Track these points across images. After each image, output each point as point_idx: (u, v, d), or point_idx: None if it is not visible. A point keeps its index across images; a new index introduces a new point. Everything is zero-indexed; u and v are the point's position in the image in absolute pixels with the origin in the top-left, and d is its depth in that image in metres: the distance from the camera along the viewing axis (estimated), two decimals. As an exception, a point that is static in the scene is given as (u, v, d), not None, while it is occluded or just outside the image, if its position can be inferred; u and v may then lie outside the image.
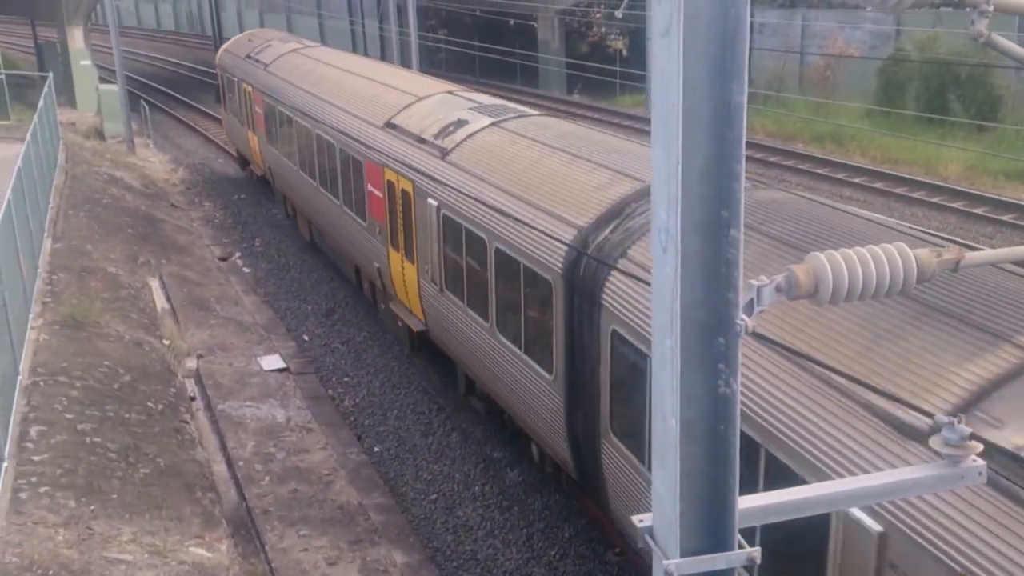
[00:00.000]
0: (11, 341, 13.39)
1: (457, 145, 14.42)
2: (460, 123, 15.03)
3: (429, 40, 49.21)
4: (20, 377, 13.61)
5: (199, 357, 17.40)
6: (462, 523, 12.78)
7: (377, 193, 16.67)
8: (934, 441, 3.31)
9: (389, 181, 16.02)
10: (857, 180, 27.86)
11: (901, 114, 32.49)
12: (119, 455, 12.58)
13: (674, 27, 2.67)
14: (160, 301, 19.98)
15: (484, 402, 14.59)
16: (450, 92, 17.56)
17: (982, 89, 31.51)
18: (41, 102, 26.66)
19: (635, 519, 3.25)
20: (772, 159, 30.87)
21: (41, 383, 13.84)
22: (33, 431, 12.47)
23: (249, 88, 27.12)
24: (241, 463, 13.81)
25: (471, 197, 12.66)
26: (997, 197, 25.09)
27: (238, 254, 24.64)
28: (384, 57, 46.60)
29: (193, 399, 15.90)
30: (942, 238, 12.12)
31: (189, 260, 23.21)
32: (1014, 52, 5.28)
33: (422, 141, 15.37)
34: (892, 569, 5.89)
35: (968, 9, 4.83)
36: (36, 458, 11.89)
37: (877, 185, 27.28)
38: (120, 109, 36.04)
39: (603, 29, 47.54)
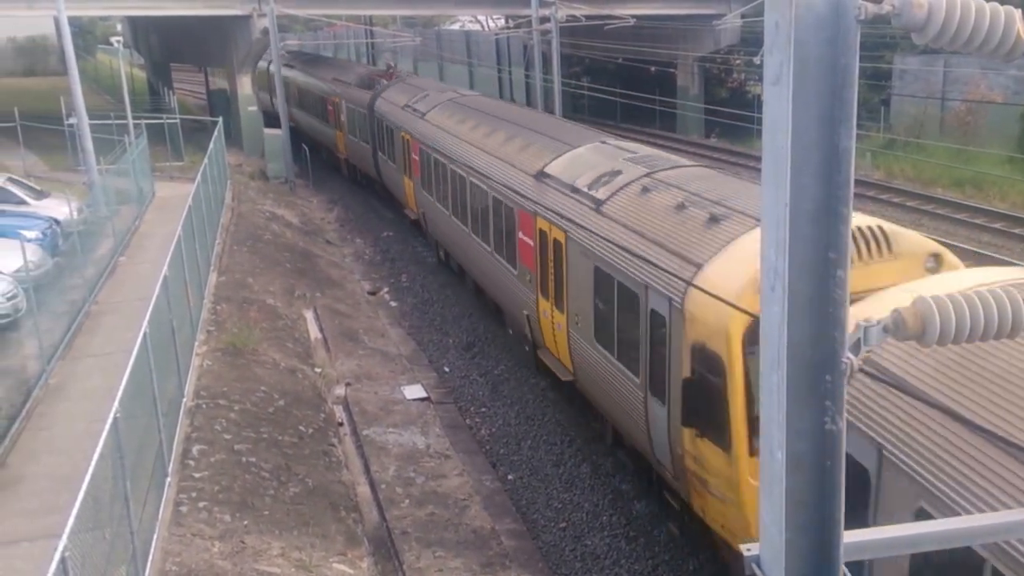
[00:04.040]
0: (178, 366, 14.51)
1: None
2: None
3: (572, 87, 50.14)
4: (184, 399, 14.70)
5: (347, 385, 18.26)
6: (590, 551, 13.04)
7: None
8: None
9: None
10: (996, 225, 27.06)
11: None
12: (271, 474, 13.40)
13: (784, 76, 2.73)
14: (313, 331, 21.03)
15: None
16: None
17: None
18: (211, 145, 28.41)
19: (743, 547, 3.33)
20: (910, 203, 30.40)
21: (203, 405, 14.88)
22: (195, 450, 13.44)
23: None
24: (383, 486, 14.44)
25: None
26: None
27: (386, 289, 25.68)
28: (529, 103, 47.79)
29: (341, 424, 16.70)
30: None
31: (341, 294, 24.35)
32: None
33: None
34: None
35: None
36: (196, 475, 12.81)
37: (1016, 231, 26.38)
38: (283, 152, 38.20)
39: (742, 75, 47.45)
